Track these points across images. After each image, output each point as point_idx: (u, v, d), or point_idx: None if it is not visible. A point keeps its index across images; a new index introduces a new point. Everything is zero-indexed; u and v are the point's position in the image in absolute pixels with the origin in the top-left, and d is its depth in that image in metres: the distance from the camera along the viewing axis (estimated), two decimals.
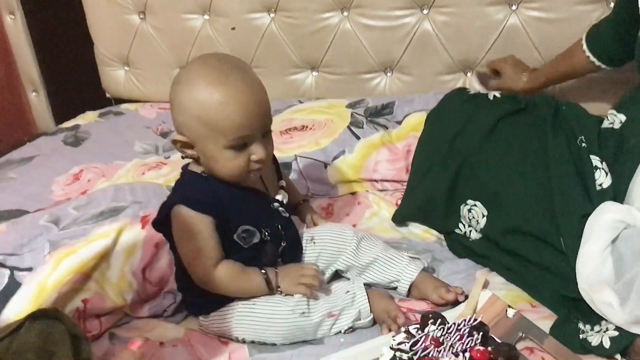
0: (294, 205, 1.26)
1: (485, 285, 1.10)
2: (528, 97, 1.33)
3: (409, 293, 1.12)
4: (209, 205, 1.00)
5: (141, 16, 1.97)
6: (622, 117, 1.16)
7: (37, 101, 2.23)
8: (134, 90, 2.11)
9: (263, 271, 1.03)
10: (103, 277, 1.09)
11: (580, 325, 0.99)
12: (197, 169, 1.05)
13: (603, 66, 1.37)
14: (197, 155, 1.02)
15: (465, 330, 0.80)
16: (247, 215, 1.05)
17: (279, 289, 1.03)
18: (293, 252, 1.13)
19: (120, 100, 2.14)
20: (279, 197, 1.12)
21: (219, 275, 1.01)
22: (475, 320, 0.82)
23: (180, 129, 1.01)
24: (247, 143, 0.99)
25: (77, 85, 2.25)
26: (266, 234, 1.06)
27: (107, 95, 2.19)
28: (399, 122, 1.56)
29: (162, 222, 1.04)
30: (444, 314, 1.04)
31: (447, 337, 0.80)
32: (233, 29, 1.84)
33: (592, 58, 1.36)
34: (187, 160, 1.08)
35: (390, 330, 1.00)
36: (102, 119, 1.97)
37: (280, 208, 1.11)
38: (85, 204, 1.22)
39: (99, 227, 1.14)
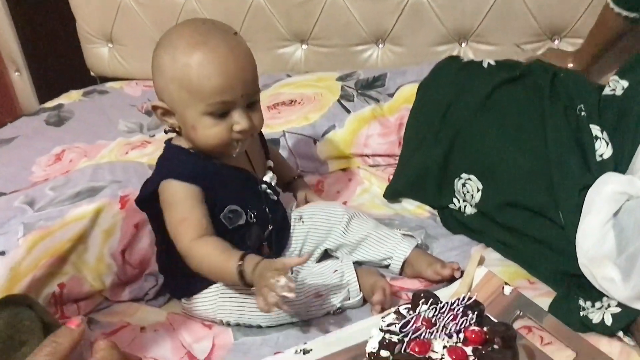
0: (287, 181, 1.21)
1: (481, 262, 1.05)
2: (524, 65, 1.26)
3: (401, 271, 1.08)
4: (196, 177, 0.95)
5: None
6: (625, 83, 1.11)
7: (20, 81, 2.17)
8: (118, 68, 2.05)
9: (240, 262, 0.90)
10: (80, 260, 1.04)
11: (581, 302, 0.95)
12: (181, 143, 0.99)
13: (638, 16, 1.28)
14: (177, 124, 0.97)
15: (459, 309, 0.75)
16: (234, 195, 0.99)
17: (247, 284, 0.90)
18: (280, 236, 1.07)
19: (105, 79, 2.09)
20: (266, 178, 1.06)
21: (198, 248, 0.93)
22: (469, 299, 0.77)
23: (160, 95, 0.96)
24: (229, 110, 0.93)
25: (61, 65, 2.20)
26: (252, 216, 1.00)
27: (92, 74, 2.13)
28: (391, 95, 1.51)
29: (147, 199, 0.99)
30: (438, 291, 0.99)
31: (439, 318, 0.75)
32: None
33: (624, 12, 1.27)
34: (170, 136, 1.02)
35: (379, 307, 0.96)
36: (86, 98, 1.92)
37: (269, 190, 1.06)
38: (63, 185, 1.17)
39: (76, 208, 1.09)
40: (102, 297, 1.06)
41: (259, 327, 0.98)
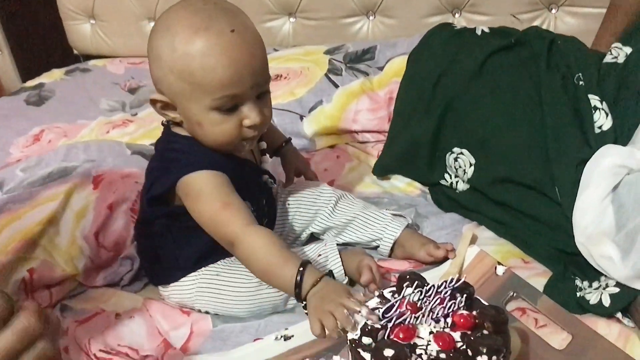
0: (276, 148, 1.11)
1: (473, 241, 1.00)
2: (519, 32, 1.20)
3: (391, 252, 1.02)
4: (219, 165, 0.85)
5: None
6: (628, 50, 1.05)
7: (2, 61, 2.13)
8: (101, 46, 2.00)
9: (301, 268, 0.78)
10: (51, 244, 0.99)
11: (578, 282, 0.90)
12: (182, 132, 0.89)
13: None
14: (180, 118, 0.86)
15: (446, 292, 0.70)
16: (242, 188, 0.89)
17: (304, 302, 0.77)
18: (270, 225, 1.01)
19: (88, 57, 2.03)
20: (265, 164, 0.99)
21: (253, 236, 0.81)
22: (458, 280, 0.72)
23: (158, 85, 0.85)
24: (238, 104, 0.83)
25: (43, 43, 2.15)
26: (252, 209, 0.91)
27: (75, 52, 2.07)
28: (381, 68, 1.44)
29: (161, 198, 0.89)
30: (427, 272, 0.95)
31: (426, 301, 0.70)
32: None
33: None
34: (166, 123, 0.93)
35: (373, 287, 0.91)
36: (68, 76, 1.88)
37: (270, 180, 0.99)
38: (34, 165, 1.11)
39: (47, 190, 1.03)
40: (75, 283, 1.01)
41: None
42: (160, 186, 0.88)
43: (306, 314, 0.77)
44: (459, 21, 1.63)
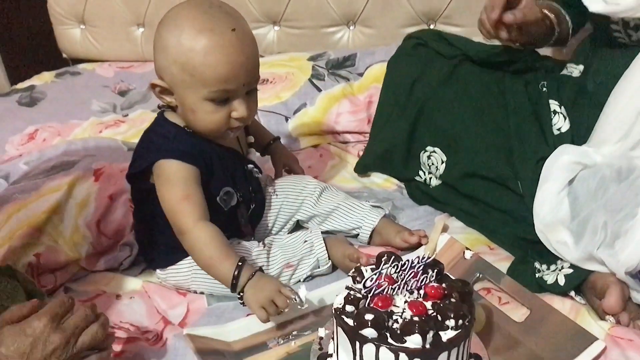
0: (264, 145, 1.21)
1: (444, 230, 1.10)
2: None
3: (370, 240, 1.12)
4: (195, 157, 0.95)
5: None
6: (581, 67, 1.16)
7: None
8: (91, 50, 2.05)
9: (240, 263, 0.91)
10: (56, 231, 1.06)
11: (537, 265, 1.00)
12: (174, 119, 0.99)
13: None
14: (175, 103, 0.96)
15: (419, 267, 0.80)
16: (228, 176, 1.01)
17: (240, 293, 0.91)
18: (258, 213, 1.10)
19: (77, 61, 2.08)
20: (250, 155, 1.09)
21: (199, 231, 0.92)
22: (429, 258, 0.81)
23: (160, 73, 0.95)
24: (230, 98, 0.93)
25: (32, 46, 2.19)
26: (239, 195, 1.02)
27: (64, 55, 2.13)
28: (361, 74, 1.55)
29: (139, 175, 0.99)
30: (403, 257, 1.04)
31: (401, 275, 0.79)
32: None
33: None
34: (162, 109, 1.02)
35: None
36: (59, 79, 1.93)
37: (255, 169, 1.08)
38: (37, 159, 1.19)
39: (51, 181, 1.11)
40: (78, 267, 1.08)
41: None
42: (139, 165, 0.99)
43: (241, 303, 0.92)
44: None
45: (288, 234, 1.13)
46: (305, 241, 1.06)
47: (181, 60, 0.90)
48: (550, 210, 1.00)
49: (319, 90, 1.51)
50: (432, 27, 1.73)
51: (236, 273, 0.90)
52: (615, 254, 0.90)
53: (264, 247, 1.04)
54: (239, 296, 0.92)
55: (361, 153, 1.37)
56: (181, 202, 0.93)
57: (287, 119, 1.47)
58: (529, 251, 1.03)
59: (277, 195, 1.14)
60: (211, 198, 0.98)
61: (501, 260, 1.04)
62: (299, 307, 0.89)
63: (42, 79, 1.91)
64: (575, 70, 1.17)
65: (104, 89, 1.83)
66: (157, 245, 1.04)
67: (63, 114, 1.66)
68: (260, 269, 0.95)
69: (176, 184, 0.94)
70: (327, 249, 1.04)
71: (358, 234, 1.13)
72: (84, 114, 1.66)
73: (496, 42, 1.18)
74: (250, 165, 1.07)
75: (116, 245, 1.11)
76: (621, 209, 0.93)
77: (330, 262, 1.05)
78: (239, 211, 1.04)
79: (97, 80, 1.89)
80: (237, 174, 1.03)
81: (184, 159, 0.94)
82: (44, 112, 1.70)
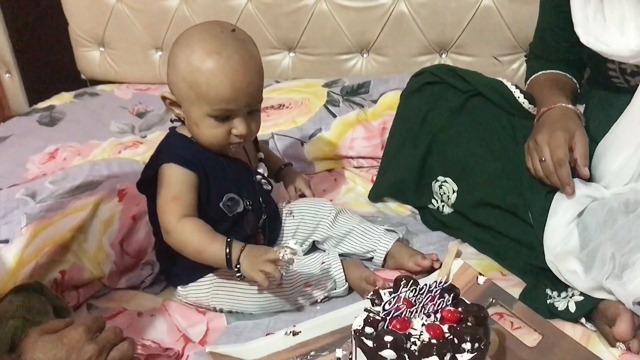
0: (275, 171, 1.26)
1: (458, 255, 1.13)
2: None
3: (384, 263, 1.15)
4: (195, 164, 1.01)
5: None
6: (581, 108, 1.20)
7: (11, 83, 2.19)
8: (109, 72, 2.10)
9: (228, 240, 0.98)
10: (80, 249, 1.10)
11: (548, 292, 1.03)
12: (185, 132, 1.05)
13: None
14: (183, 115, 1.03)
15: (436, 292, 0.83)
16: (232, 183, 1.06)
17: (237, 267, 0.96)
18: (272, 225, 1.14)
19: (95, 82, 2.13)
20: (260, 169, 1.13)
21: (182, 226, 0.98)
22: (446, 282, 0.84)
23: (171, 87, 1.02)
24: (231, 116, 0.99)
25: (51, 67, 2.23)
26: (248, 203, 1.07)
27: (82, 76, 2.18)
28: (375, 101, 1.59)
29: (147, 183, 1.05)
30: (420, 281, 1.07)
31: (419, 299, 0.82)
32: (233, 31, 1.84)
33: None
34: (175, 125, 1.09)
35: None
36: (78, 99, 1.97)
37: (263, 180, 1.12)
38: (62, 179, 1.23)
39: (76, 201, 1.15)
40: (100, 285, 1.12)
41: (251, 314, 1.05)
42: (146, 173, 1.05)
43: (238, 277, 0.97)
44: (446, 61, 1.77)
45: (305, 255, 1.16)
46: (323, 262, 1.09)
47: (189, 79, 0.97)
48: (560, 240, 1.03)
49: (334, 116, 1.55)
50: (444, 56, 1.78)
51: (227, 250, 0.96)
52: (623, 284, 0.93)
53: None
54: (235, 270, 0.96)
55: (374, 178, 1.41)
56: (169, 202, 0.99)
57: (302, 143, 1.51)
58: (540, 278, 1.06)
59: (293, 216, 1.18)
60: (214, 204, 1.03)
61: (513, 286, 1.07)
62: (293, 256, 0.94)
63: (62, 100, 1.96)
64: (579, 108, 1.21)
65: (122, 110, 1.87)
66: (177, 261, 1.07)
67: (82, 134, 1.70)
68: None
69: (169, 185, 1.00)
70: (344, 271, 1.07)
71: (372, 257, 1.16)
72: (103, 135, 1.70)
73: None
74: (259, 177, 1.11)
75: (138, 263, 1.14)
76: (629, 240, 0.96)
77: (346, 284, 1.08)
78: (245, 217, 1.07)
79: (115, 101, 1.94)
80: (243, 182, 1.08)
81: (182, 163, 1.00)
82: (64, 132, 1.74)
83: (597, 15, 1.08)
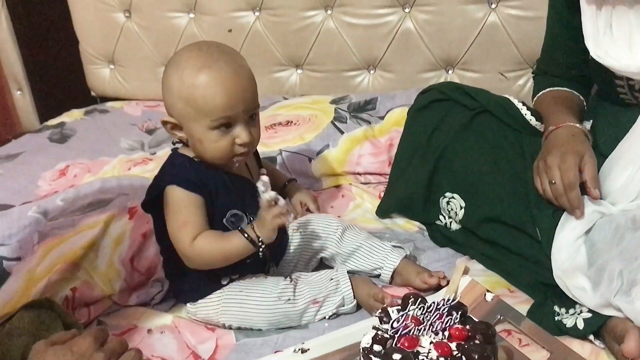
0: (280, 187, 1.27)
1: (465, 272, 1.13)
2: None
3: (391, 280, 1.16)
4: (198, 186, 1.02)
5: (127, 14, 1.99)
6: (588, 125, 1.21)
7: (22, 100, 2.23)
8: (119, 89, 2.13)
9: (240, 229, 1.03)
10: (92, 266, 1.11)
11: (556, 308, 1.03)
12: (187, 152, 1.07)
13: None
14: (185, 137, 1.05)
15: (444, 309, 0.83)
16: (235, 200, 1.07)
17: (260, 240, 1.02)
18: (278, 239, 1.14)
19: (105, 99, 2.16)
20: (260, 184, 1.14)
21: (199, 245, 1.01)
22: (454, 299, 0.85)
23: (169, 111, 1.04)
24: (231, 124, 1.01)
25: (62, 84, 2.26)
26: (252, 219, 1.08)
27: (92, 93, 2.21)
28: (382, 117, 1.60)
29: (152, 203, 1.07)
30: (428, 298, 1.08)
31: (427, 316, 0.82)
32: (230, 31, 1.87)
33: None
34: (177, 146, 1.10)
35: None
36: (88, 116, 2.00)
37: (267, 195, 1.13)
38: (73, 197, 1.24)
39: (87, 218, 1.16)
40: (111, 302, 1.13)
41: (260, 330, 1.06)
42: (150, 193, 1.07)
43: (261, 251, 1.02)
44: (452, 77, 1.79)
45: (313, 271, 1.17)
46: (332, 279, 1.09)
47: (184, 96, 1.00)
48: (568, 257, 1.03)
49: (342, 132, 1.56)
50: (450, 72, 1.79)
51: (246, 236, 1.02)
52: (631, 301, 0.93)
53: (291, 281, 1.09)
54: (260, 244, 1.02)
55: (382, 194, 1.42)
56: (180, 228, 1.02)
57: (310, 159, 1.52)
58: (548, 295, 1.06)
59: (300, 233, 1.19)
60: (218, 220, 1.05)
61: (521, 302, 1.07)
62: (272, 193, 1.01)
63: (72, 116, 1.99)
64: (587, 124, 1.22)
65: (132, 127, 1.89)
66: (186, 278, 1.09)
67: (93, 151, 1.73)
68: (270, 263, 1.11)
69: (177, 210, 1.02)
70: (352, 288, 1.08)
71: (380, 274, 1.16)
72: (113, 151, 1.72)
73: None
74: (261, 189, 1.11)
75: (148, 281, 1.15)
76: (636, 257, 0.96)
77: (355, 301, 1.08)
78: None
79: (125, 118, 1.96)
80: (246, 198, 1.09)
81: (187, 187, 1.02)
82: (75, 149, 1.76)
83: (607, 30, 1.09)
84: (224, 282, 1.08)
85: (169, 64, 1.03)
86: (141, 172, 1.57)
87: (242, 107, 1.01)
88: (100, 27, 2.03)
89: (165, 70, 1.03)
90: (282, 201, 1.01)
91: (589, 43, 1.10)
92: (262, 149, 1.27)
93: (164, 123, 1.05)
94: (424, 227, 1.32)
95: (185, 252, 1.02)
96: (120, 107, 2.05)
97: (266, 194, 1.01)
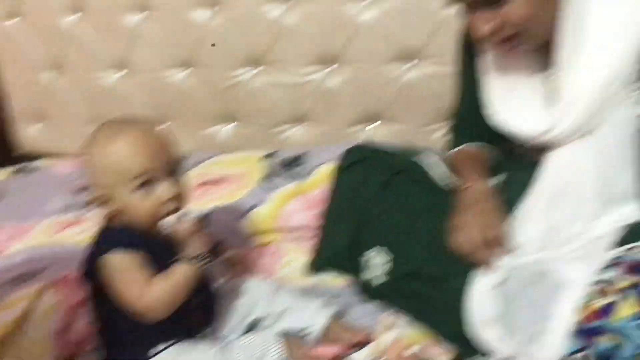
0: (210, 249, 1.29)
1: (391, 326, 1.18)
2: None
3: (322, 338, 1.19)
4: (136, 245, 1.05)
5: (56, 72, 1.99)
6: (502, 178, 1.29)
7: None
8: (49, 146, 2.11)
9: (175, 260, 1.07)
10: (19, 343, 1.09)
11: (480, 358, 1.09)
12: (116, 222, 1.09)
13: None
14: (116, 207, 1.07)
15: None
16: (164, 265, 1.07)
17: (197, 255, 1.06)
18: (209, 304, 1.17)
19: (33, 157, 2.12)
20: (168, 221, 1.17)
21: (150, 293, 1.02)
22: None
23: (95, 188, 1.08)
24: (153, 181, 1.04)
25: None
26: None
27: (20, 151, 2.17)
28: (312, 173, 1.65)
29: (90, 273, 1.07)
30: (353, 355, 1.13)
31: None
32: (213, 45, 1.89)
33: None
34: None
35: None
36: (16, 175, 1.96)
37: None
38: (1, 269, 1.23)
39: (16, 291, 1.15)
40: None
41: None
42: (88, 264, 1.08)
43: (206, 263, 1.07)
44: (378, 129, 1.86)
45: (243, 334, 1.19)
46: (264, 342, 1.12)
47: (103, 165, 1.04)
48: (483, 308, 1.10)
49: (272, 188, 1.60)
50: (376, 124, 1.87)
51: (180, 263, 1.06)
52: (540, 348, 1.00)
53: (221, 348, 1.09)
54: (199, 259, 1.06)
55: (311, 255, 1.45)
56: (127, 290, 1.03)
57: (241, 217, 1.55)
58: (471, 345, 1.12)
59: (229, 296, 1.21)
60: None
61: (447, 353, 1.12)
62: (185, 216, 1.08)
63: None
64: (500, 177, 1.31)
65: (62, 185, 1.84)
66: (124, 344, 1.09)
67: (21, 213, 1.69)
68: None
69: (122, 273, 1.03)
70: (284, 350, 1.11)
71: (310, 333, 1.20)
72: (43, 212, 1.69)
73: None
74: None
75: (80, 353, 1.15)
76: (542, 306, 1.03)
77: None
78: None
79: (56, 176, 1.93)
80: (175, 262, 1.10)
81: (126, 248, 1.04)
82: (1, 211, 1.73)
83: (505, 96, 1.20)
84: (151, 354, 1.08)
85: (85, 144, 1.07)
86: (77, 232, 1.55)
87: (157, 162, 1.05)
88: (30, 85, 2.05)
89: (84, 151, 1.07)
90: (188, 216, 1.08)
91: (488, 110, 1.21)
92: (193, 207, 1.29)
93: (93, 200, 1.08)
94: (353, 282, 1.37)
95: (140, 306, 1.02)
96: (50, 165, 2.01)
97: (175, 225, 1.06)
